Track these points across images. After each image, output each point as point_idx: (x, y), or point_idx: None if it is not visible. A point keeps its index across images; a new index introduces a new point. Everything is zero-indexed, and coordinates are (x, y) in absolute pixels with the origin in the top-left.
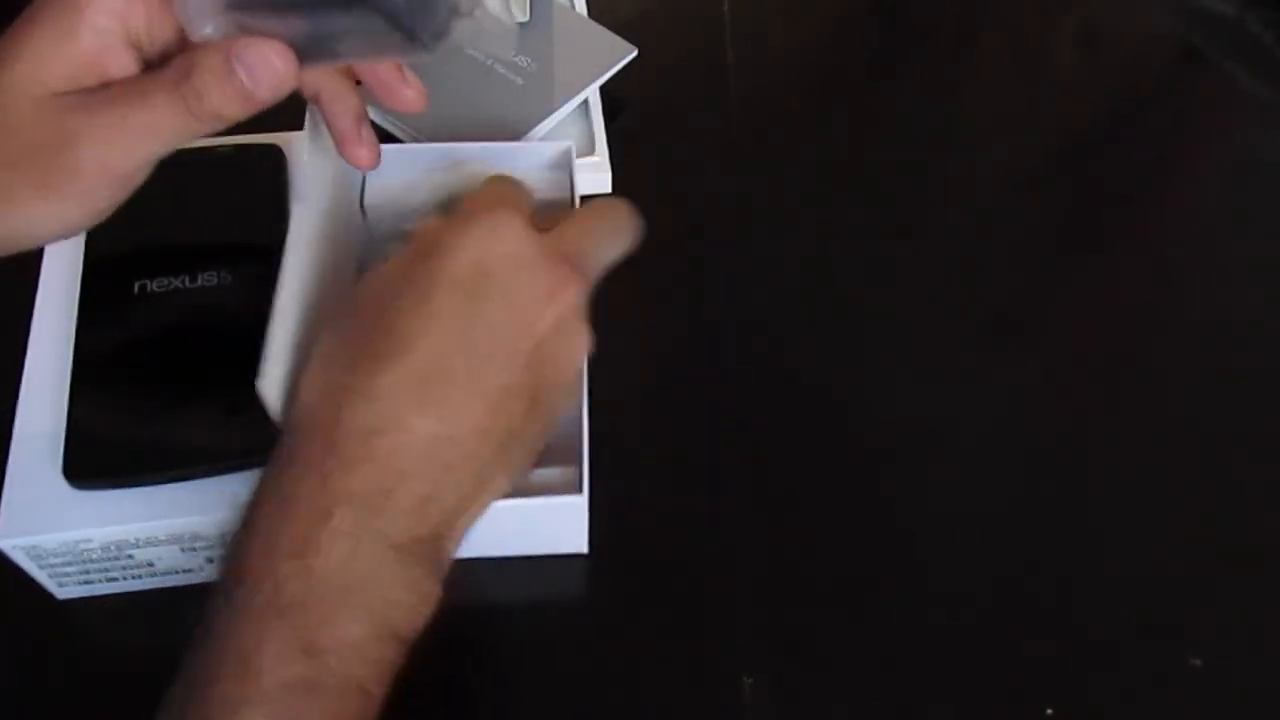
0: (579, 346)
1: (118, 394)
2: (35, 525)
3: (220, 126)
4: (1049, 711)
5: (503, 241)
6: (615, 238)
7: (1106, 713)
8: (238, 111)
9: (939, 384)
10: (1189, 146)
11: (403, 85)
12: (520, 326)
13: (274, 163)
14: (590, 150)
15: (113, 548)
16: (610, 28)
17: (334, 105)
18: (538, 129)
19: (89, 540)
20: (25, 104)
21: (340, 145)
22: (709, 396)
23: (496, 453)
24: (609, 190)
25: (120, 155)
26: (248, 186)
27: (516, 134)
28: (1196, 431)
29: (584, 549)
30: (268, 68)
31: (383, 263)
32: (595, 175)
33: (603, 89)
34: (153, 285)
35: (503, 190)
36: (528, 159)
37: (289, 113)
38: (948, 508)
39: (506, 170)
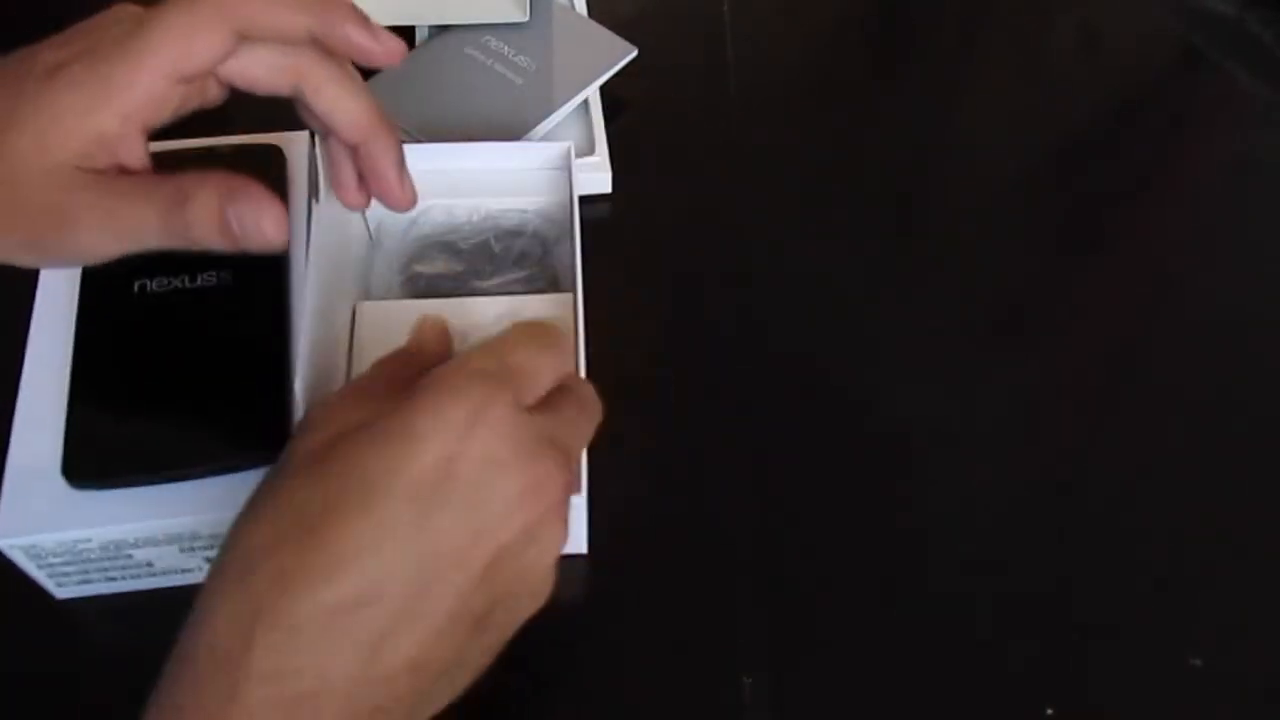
0: (549, 553)
1: (117, 393)
2: (34, 525)
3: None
4: (1049, 711)
5: (480, 440)
6: (594, 419)
7: (1106, 713)
8: (222, 248)
9: (939, 384)
10: (1189, 146)
11: (399, 182)
12: (480, 537)
13: (274, 163)
14: (590, 150)
15: (111, 547)
16: (610, 28)
17: (381, 157)
18: (538, 129)
19: (88, 540)
20: (36, 169)
21: (385, 195)
22: (709, 396)
23: (435, 683)
24: (609, 190)
25: (106, 242)
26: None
27: (516, 134)
28: (1197, 431)
29: (584, 549)
30: (259, 232)
31: (328, 409)
32: (595, 175)
33: (603, 89)
34: (152, 285)
35: (509, 360)
36: (526, 159)
37: (289, 112)
38: (948, 507)
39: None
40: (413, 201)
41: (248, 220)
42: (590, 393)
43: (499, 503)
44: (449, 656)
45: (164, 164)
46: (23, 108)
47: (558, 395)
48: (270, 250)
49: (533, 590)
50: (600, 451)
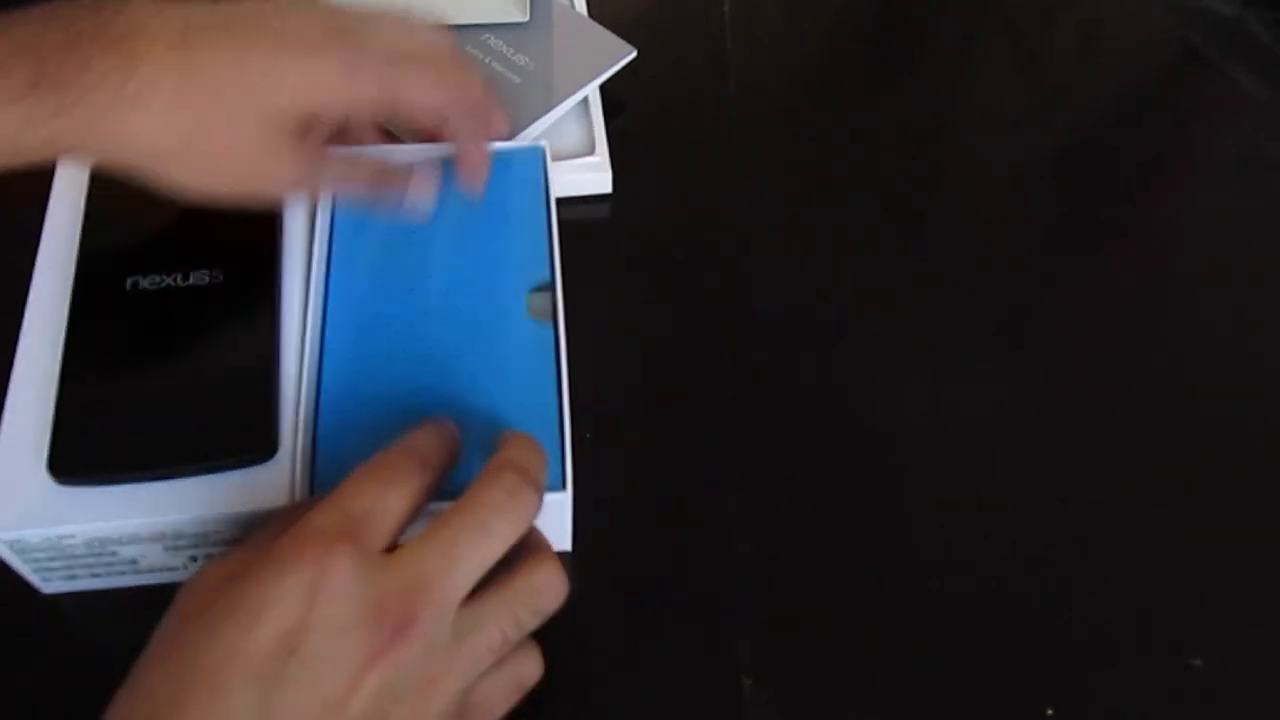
0: (417, 714)
1: (106, 390)
2: (19, 519)
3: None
4: (1049, 711)
5: (320, 606)
6: (496, 535)
7: (1106, 713)
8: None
9: (939, 384)
10: (1189, 146)
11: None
12: (329, 709)
13: None
14: (590, 150)
15: (96, 544)
16: (610, 28)
17: (472, 139)
18: (534, 128)
19: (72, 536)
20: (260, 109)
21: (473, 174)
22: (709, 395)
23: None
24: (609, 190)
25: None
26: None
27: (514, 133)
28: (1197, 431)
29: (568, 547)
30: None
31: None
32: (595, 175)
33: (603, 89)
34: (144, 282)
35: (349, 507)
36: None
37: None
38: (948, 507)
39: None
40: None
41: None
42: (485, 490)
43: (346, 671)
44: None
45: None
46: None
47: (438, 523)
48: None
49: None
50: (599, 452)
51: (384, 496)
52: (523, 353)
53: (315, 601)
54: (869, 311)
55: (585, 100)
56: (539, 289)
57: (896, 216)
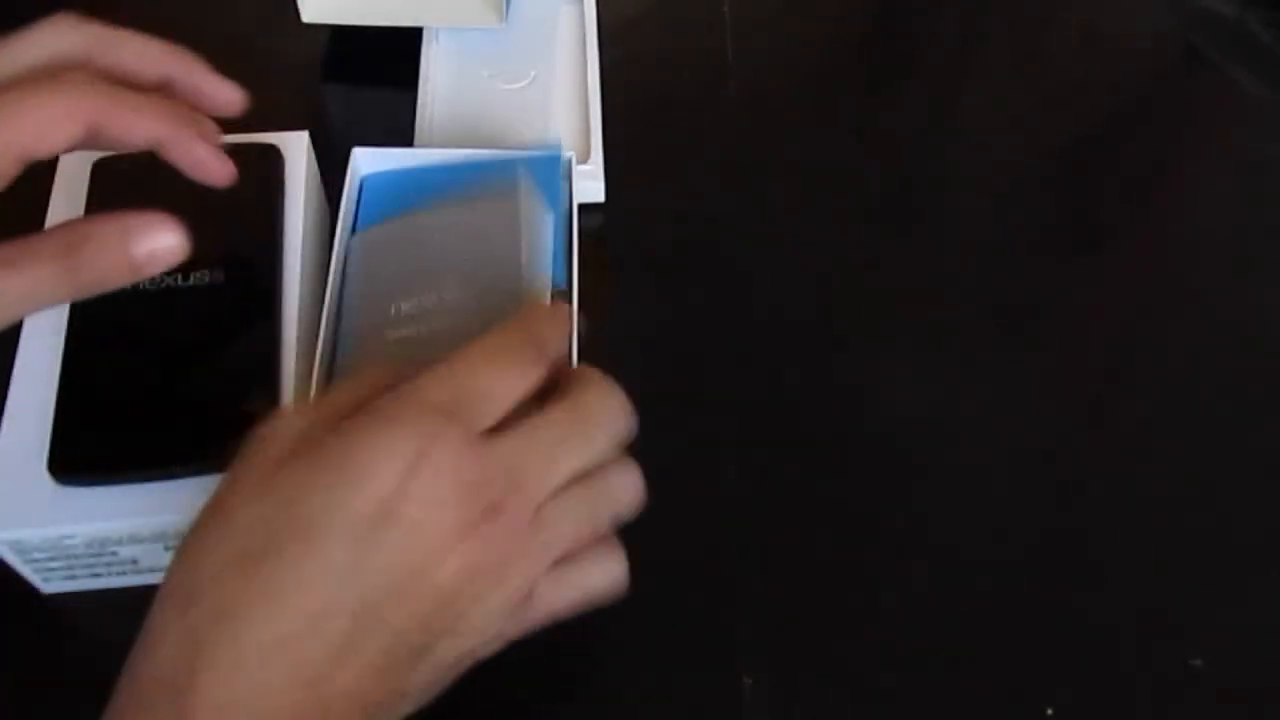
0: (491, 593)
1: (106, 390)
2: (19, 519)
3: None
4: (1049, 711)
5: (423, 479)
6: (585, 439)
7: (1106, 713)
8: (124, 281)
9: (940, 383)
10: (1189, 146)
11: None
12: (417, 576)
13: (272, 162)
14: (586, 158)
15: (96, 544)
16: (611, 27)
17: (188, 144)
18: (535, 136)
19: (72, 536)
20: None
21: (201, 170)
22: (709, 395)
23: (373, 713)
24: (602, 199)
25: None
26: (244, 185)
27: (514, 143)
28: (1198, 431)
29: None
30: (165, 246)
31: (269, 442)
32: (589, 184)
33: (602, 88)
34: (144, 283)
35: (463, 385)
36: (518, 166)
37: (290, 112)
38: (948, 507)
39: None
40: (233, 170)
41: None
42: (593, 395)
43: (435, 544)
44: (387, 689)
45: (161, 161)
46: None
47: (542, 413)
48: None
49: (476, 628)
50: None
51: (501, 380)
52: None
53: (419, 473)
54: (869, 312)
55: (584, 106)
56: (555, 293)
57: (896, 217)
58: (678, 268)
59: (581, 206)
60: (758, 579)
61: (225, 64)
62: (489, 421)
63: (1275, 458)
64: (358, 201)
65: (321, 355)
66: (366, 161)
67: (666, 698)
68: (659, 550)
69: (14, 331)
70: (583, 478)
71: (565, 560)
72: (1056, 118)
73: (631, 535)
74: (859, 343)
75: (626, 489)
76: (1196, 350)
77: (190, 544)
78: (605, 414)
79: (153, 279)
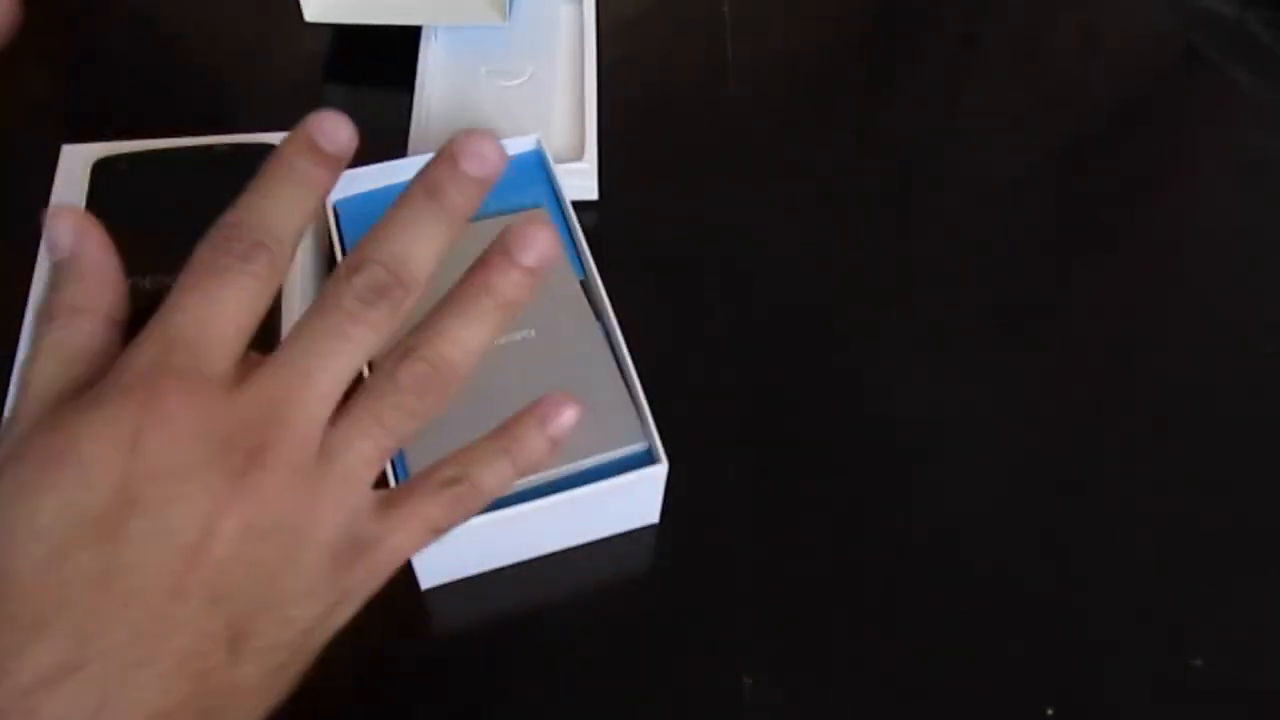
0: (295, 547)
1: None
2: None
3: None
4: (1049, 711)
5: (151, 449)
6: (355, 340)
7: (1106, 713)
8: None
9: (941, 383)
10: (1189, 146)
11: None
12: (185, 558)
13: None
14: (580, 155)
15: None
16: (611, 27)
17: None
18: (530, 133)
19: None
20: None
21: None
22: (709, 396)
23: (214, 717)
24: (595, 197)
25: None
26: (245, 186)
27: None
28: (1198, 431)
29: (655, 520)
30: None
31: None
32: (581, 181)
33: (601, 88)
34: (146, 283)
35: (171, 327)
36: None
37: (290, 112)
38: (949, 508)
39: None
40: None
41: None
42: (334, 283)
43: (197, 515)
44: (204, 692)
45: (162, 161)
46: None
47: (288, 338)
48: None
49: (297, 594)
50: None
51: (220, 302)
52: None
53: (144, 446)
54: (870, 310)
55: (581, 104)
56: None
57: (896, 216)
58: (677, 267)
59: (575, 204)
60: (758, 578)
61: (226, 64)
62: (218, 365)
63: (1275, 457)
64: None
65: None
66: (339, 185)
67: (666, 698)
68: (659, 550)
69: (14, 331)
70: (364, 381)
71: (417, 485)
72: (1056, 118)
73: (632, 535)
74: (859, 342)
75: (411, 375)
76: (1197, 350)
77: None
78: (354, 307)
79: (152, 280)
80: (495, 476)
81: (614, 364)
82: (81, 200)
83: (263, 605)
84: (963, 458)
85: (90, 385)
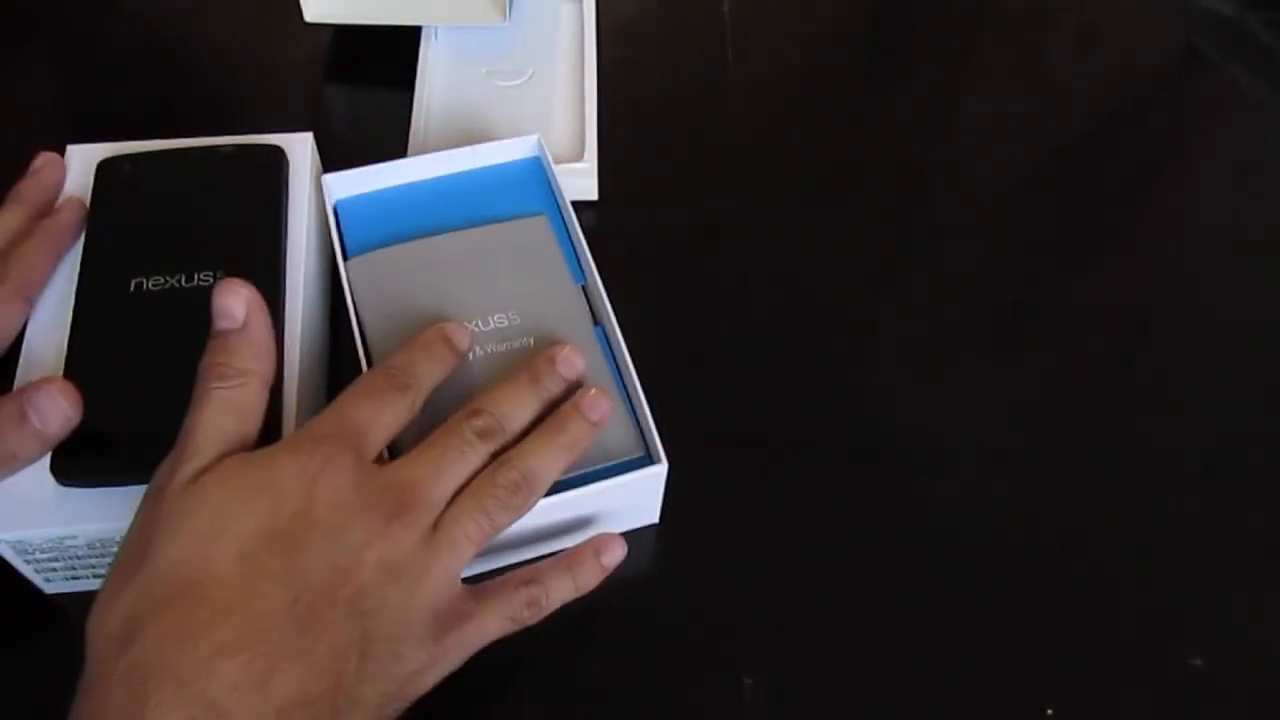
0: (414, 592)
1: (109, 391)
2: (21, 520)
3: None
4: (1049, 711)
5: (327, 490)
6: (460, 455)
7: (1106, 713)
8: (34, 452)
9: (941, 385)
10: (1189, 146)
11: None
12: (340, 574)
13: (277, 163)
14: (580, 155)
15: (98, 544)
16: (611, 27)
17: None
18: (530, 133)
19: (74, 537)
20: None
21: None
22: (708, 396)
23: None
24: (595, 197)
25: None
26: (248, 187)
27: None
28: (1197, 431)
29: (655, 520)
30: (57, 409)
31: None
32: (582, 181)
33: (601, 88)
34: (149, 284)
35: (347, 418)
36: (491, 156)
37: (291, 112)
38: (949, 509)
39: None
40: None
41: (45, 406)
42: (470, 430)
43: (352, 545)
44: (338, 691)
45: (164, 162)
46: None
47: (426, 445)
48: (71, 427)
49: (404, 637)
50: None
51: (380, 412)
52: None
53: (321, 487)
54: (870, 311)
55: (581, 104)
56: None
57: (896, 217)
58: (677, 267)
59: (575, 204)
60: (758, 578)
61: (227, 64)
62: (374, 451)
63: (1275, 458)
64: (339, 227)
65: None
66: (339, 185)
67: (666, 698)
68: (659, 550)
69: (17, 333)
70: (472, 482)
71: (502, 582)
72: (1056, 118)
73: (631, 536)
74: (858, 342)
75: (509, 480)
76: (1197, 348)
77: (111, 592)
78: (474, 439)
79: (155, 280)
80: (560, 589)
81: (613, 375)
82: (86, 198)
83: (385, 632)
84: (962, 457)
85: (247, 433)
